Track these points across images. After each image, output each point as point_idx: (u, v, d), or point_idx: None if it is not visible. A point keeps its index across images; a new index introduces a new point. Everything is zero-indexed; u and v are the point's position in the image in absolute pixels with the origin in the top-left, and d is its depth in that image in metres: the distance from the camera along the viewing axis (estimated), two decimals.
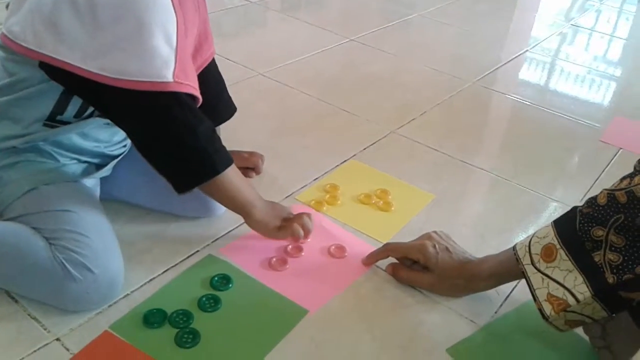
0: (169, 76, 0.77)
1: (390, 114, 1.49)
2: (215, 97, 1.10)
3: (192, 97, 0.83)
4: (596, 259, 0.74)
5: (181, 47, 0.79)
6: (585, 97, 1.77)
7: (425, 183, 1.21)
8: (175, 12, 0.79)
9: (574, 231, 0.77)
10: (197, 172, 0.84)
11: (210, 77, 1.06)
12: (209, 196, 0.91)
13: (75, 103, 0.87)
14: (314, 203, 1.11)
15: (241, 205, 0.92)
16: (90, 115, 0.89)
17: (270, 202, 0.97)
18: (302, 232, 0.94)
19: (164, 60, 0.77)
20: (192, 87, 0.82)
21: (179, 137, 0.82)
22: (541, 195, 1.22)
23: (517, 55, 1.97)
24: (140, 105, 0.79)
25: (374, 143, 1.35)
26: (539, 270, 0.79)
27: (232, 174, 0.88)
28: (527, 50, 2.02)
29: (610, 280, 0.72)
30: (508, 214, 1.16)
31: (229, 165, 0.87)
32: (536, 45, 2.08)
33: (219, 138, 0.87)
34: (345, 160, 1.27)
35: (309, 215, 0.97)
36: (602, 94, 1.82)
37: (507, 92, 1.70)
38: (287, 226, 0.94)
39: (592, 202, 0.77)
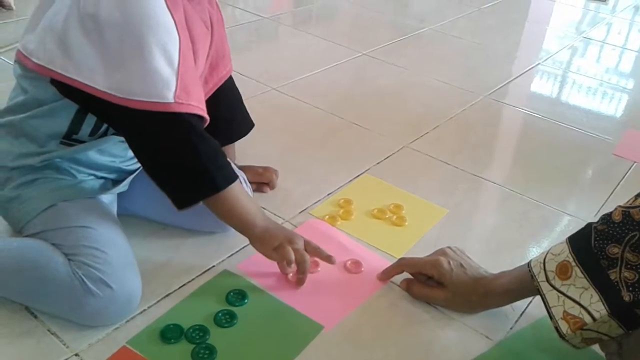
0: (169, 97, 0.79)
1: (402, 128, 1.50)
2: (231, 114, 1.12)
3: (197, 116, 0.84)
4: (612, 277, 0.74)
5: (184, 68, 0.80)
6: (597, 110, 1.77)
7: (438, 197, 1.22)
8: (178, 33, 0.80)
9: (589, 248, 0.77)
10: (198, 189, 0.85)
11: (227, 94, 1.08)
12: (212, 212, 0.90)
13: (89, 122, 0.88)
14: (327, 218, 1.12)
15: (242, 223, 0.91)
16: (105, 134, 0.91)
17: (280, 226, 0.95)
18: (292, 259, 0.90)
19: (165, 81, 0.78)
20: (195, 106, 0.82)
21: (179, 156, 0.83)
22: (555, 209, 1.22)
23: (528, 68, 1.98)
24: (142, 124, 0.81)
25: (387, 157, 1.36)
26: (554, 288, 0.79)
27: (235, 192, 0.87)
28: (538, 64, 2.02)
29: (627, 299, 0.72)
30: (522, 228, 1.16)
31: (231, 182, 0.86)
32: (548, 58, 2.09)
33: (223, 156, 0.88)
34: (358, 175, 1.27)
35: (313, 254, 0.94)
36: (614, 107, 1.82)
37: (519, 106, 1.70)
38: (282, 248, 0.90)
39: (606, 219, 0.78)
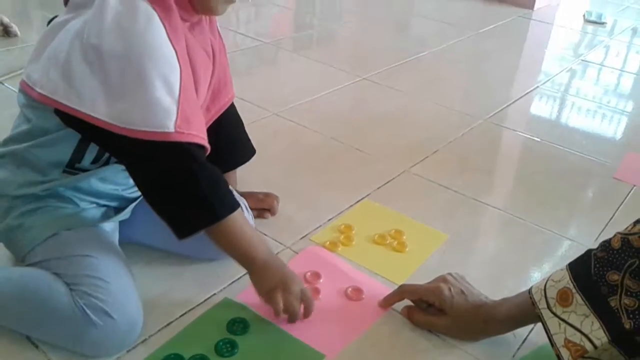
0: (170, 126, 0.79)
1: (403, 152, 1.50)
2: (233, 141, 1.13)
3: (198, 145, 0.85)
4: (612, 304, 0.74)
5: (184, 98, 0.81)
6: (597, 133, 1.78)
7: (439, 222, 1.22)
8: (179, 63, 0.81)
9: (589, 275, 0.78)
10: (198, 218, 0.85)
11: (228, 120, 1.09)
12: (213, 242, 0.89)
13: (92, 151, 0.89)
14: (328, 244, 1.12)
15: (241, 255, 0.90)
16: (107, 162, 0.92)
17: (280, 264, 0.92)
18: (279, 310, 0.89)
19: (166, 111, 0.79)
20: (195, 135, 0.83)
21: (179, 185, 0.83)
22: (555, 234, 1.22)
23: (527, 91, 1.99)
24: (143, 153, 0.81)
25: (387, 182, 1.36)
26: (555, 315, 0.79)
27: (236, 221, 0.87)
28: (537, 87, 2.04)
29: (627, 326, 0.72)
30: (522, 253, 1.16)
31: (232, 211, 0.85)
32: (546, 81, 2.10)
33: (225, 185, 0.88)
34: (359, 200, 1.28)
35: (306, 304, 0.92)
36: (613, 130, 1.83)
37: (518, 129, 1.71)
38: (274, 294, 0.89)
39: (606, 245, 0.78)
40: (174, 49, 0.81)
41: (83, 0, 0.83)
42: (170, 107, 0.80)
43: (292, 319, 0.91)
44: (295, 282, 0.91)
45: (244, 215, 0.91)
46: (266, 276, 0.90)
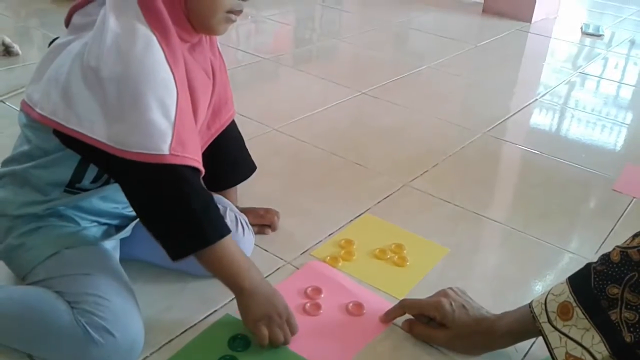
0: (164, 149, 0.80)
1: (402, 166, 1.51)
2: (234, 157, 1.14)
3: (192, 168, 0.85)
4: (612, 318, 0.74)
5: (180, 121, 0.82)
6: (596, 145, 1.78)
7: (439, 236, 1.22)
8: (176, 86, 0.82)
9: (590, 289, 0.78)
10: (188, 241, 0.85)
11: (229, 137, 1.09)
12: (203, 267, 0.89)
13: (92, 171, 0.90)
14: (329, 259, 1.12)
15: (229, 282, 0.90)
16: (107, 181, 0.93)
17: (269, 293, 0.91)
18: (264, 343, 0.88)
19: (161, 133, 0.80)
20: (190, 159, 0.83)
21: (171, 207, 0.84)
22: (556, 247, 1.22)
23: (526, 104, 2.00)
24: (137, 175, 0.82)
25: (387, 197, 1.36)
26: (556, 329, 0.79)
27: (226, 247, 0.87)
28: (536, 100, 2.05)
29: (628, 340, 0.72)
30: (523, 267, 1.16)
31: (222, 236, 0.86)
32: (545, 94, 2.11)
33: (216, 210, 0.87)
34: (359, 215, 1.28)
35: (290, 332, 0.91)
36: (612, 142, 1.83)
37: (517, 142, 1.72)
38: (259, 328, 0.89)
39: (605, 259, 0.78)
40: (172, 72, 0.82)
41: (84, 22, 0.85)
42: (166, 130, 0.81)
43: (274, 346, 0.90)
44: (281, 314, 0.90)
45: (234, 242, 0.90)
46: (252, 306, 0.89)
